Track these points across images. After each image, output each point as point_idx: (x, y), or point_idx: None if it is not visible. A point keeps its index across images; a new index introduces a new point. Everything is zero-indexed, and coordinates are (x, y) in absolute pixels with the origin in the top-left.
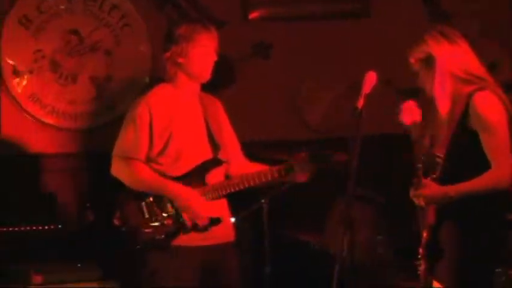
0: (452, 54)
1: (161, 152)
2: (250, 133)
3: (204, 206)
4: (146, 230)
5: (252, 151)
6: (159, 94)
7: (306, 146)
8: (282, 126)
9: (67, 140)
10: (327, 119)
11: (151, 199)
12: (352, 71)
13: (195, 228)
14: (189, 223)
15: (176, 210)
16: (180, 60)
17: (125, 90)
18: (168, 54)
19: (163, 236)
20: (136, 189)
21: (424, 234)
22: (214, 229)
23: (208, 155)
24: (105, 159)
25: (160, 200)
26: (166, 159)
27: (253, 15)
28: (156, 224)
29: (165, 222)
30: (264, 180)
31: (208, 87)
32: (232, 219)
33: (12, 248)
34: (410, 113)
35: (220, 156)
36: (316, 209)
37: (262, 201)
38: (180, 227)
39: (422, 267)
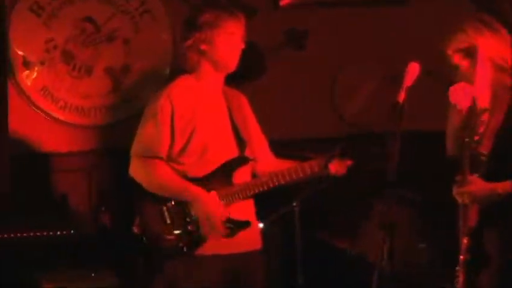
0: (494, 43)
1: (183, 150)
2: (280, 129)
3: (222, 216)
4: (168, 237)
5: (281, 149)
6: (181, 86)
7: (341, 142)
8: (315, 121)
9: (81, 137)
10: (364, 114)
11: (172, 203)
12: (393, 62)
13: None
14: (205, 231)
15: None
16: (203, 47)
17: (144, 82)
18: (190, 41)
19: (186, 244)
20: (155, 192)
21: (465, 240)
22: (240, 235)
23: (234, 152)
24: (122, 158)
25: (184, 203)
26: (188, 158)
27: (284, 1)
28: (179, 231)
29: (189, 228)
30: (295, 177)
31: (237, 79)
32: (260, 225)
33: (22, 255)
34: (465, 95)
35: (247, 153)
36: (352, 211)
37: (294, 204)
38: (199, 234)
39: (461, 278)
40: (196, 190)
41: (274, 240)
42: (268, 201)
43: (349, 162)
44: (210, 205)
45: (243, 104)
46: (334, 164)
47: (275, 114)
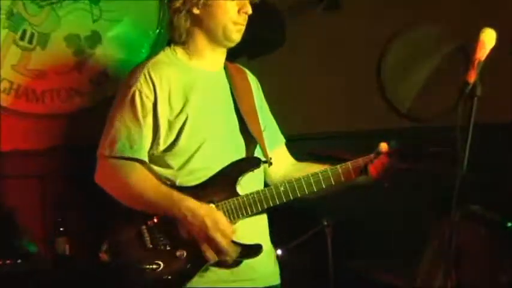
0: None
1: (170, 149)
2: (303, 122)
3: (231, 232)
4: (149, 267)
5: (303, 148)
6: (168, 63)
7: (392, 138)
8: (355, 111)
9: (32, 130)
10: (422, 101)
11: (155, 220)
12: (459, 30)
13: (220, 265)
14: (209, 257)
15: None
16: (197, 11)
17: (118, 57)
18: (179, 2)
19: (174, 275)
20: (130, 204)
21: None
22: (250, 265)
23: (239, 152)
24: (87, 160)
25: (170, 221)
26: (178, 160)
27: None
28: (164, 257)
29: (177, 254)
30: (324, 184)
31: (244, 53)
32: (278, 251)
33: None
34: None
35: (257, 154)
36: (403, 234)
37: (325, 223)
38: (197, 262)
39: None
40: (189, 201)
41: (297, 273)
42: (289, 219)
43: (394, 166)
44: (212, 220)
45: (253, 86)
46: (376, 166)
47: (297, 102)
